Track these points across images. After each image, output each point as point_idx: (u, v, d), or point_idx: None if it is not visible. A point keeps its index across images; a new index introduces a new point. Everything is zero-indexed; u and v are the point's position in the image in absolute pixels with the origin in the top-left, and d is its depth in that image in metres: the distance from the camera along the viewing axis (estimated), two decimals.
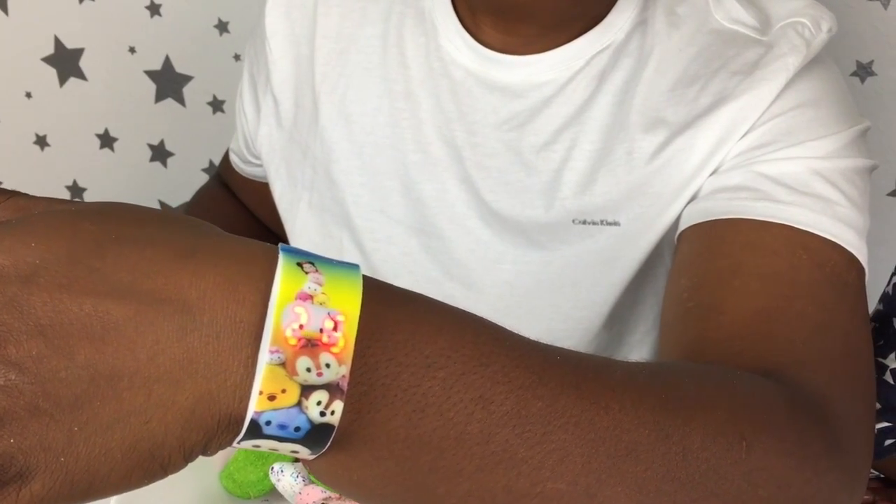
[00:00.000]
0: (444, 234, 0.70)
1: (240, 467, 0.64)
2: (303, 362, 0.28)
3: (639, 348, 0.71)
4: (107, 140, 1.42)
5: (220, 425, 0.28)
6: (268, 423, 0.28)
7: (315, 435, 0.29)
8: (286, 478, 0.61)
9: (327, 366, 0.28)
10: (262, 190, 0.85)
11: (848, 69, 1.16)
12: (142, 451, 0.28)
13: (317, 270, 0.29)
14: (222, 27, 1.31)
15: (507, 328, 0.34)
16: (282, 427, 0.28)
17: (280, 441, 0.29)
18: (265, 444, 0.29)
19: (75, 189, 1.46)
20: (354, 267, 0.30)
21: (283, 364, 0.27)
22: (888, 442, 0.66)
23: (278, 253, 0.29)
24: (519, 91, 0.67)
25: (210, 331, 0.28)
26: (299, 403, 0.28)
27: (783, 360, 0.48)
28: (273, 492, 0.64)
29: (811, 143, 0.59)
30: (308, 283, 0.28)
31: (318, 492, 0.59)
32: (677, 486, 0.34)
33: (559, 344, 0.36)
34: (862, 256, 0.57)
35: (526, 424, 0.31)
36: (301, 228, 0.76)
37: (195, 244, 0.29)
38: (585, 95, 0.66)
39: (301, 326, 0.28)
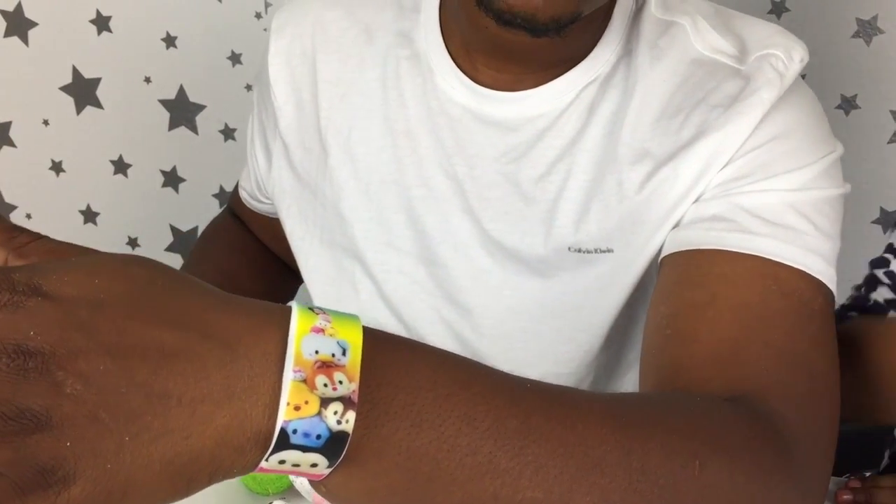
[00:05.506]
0: (448, 263, 0.74)
1: None
2: (320, 379, 0.33)
3: (636, 366, 0.74)
4: (121, 166, 1.47)
5: (250, 441, 0.33)
6: (294, 431, 0.33)
7: (333, 443, 0.33)
8: None
9: (340, 382, 0.33)
10: (272, 223, 0.89)
11: (833, 102, 1.22)
12: (177, 465, 0.32)
13: (325, 313, 0.35)
14: (235, 59, 1.36)
15: (482, 361, 0.41)
16: (306, 435, 0.33)
17: (304, 451, 0.33)
18: (290, 458, 0.34)
19: (88, 213, 1.51)
20: (354, 315, 0.37)
21: (304, 381, 0.33)
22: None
23: (292, 305, 0.36)
24: (514, 125, 0.71)
25: (245, 362, 0.33)
26: (319, 413, 0.33)
27: (747, 385, 0.53)
28: (291, 489, 0.68)
29: (785, 175, 0.63)
30: (319, 321, 0.34)
31: None
32: (639, 499, 0.40)
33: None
34: (829, 280, 0.61)
35: (505, 439, 0.37)
36: (315, 264, 0.80)
37: (226, 297, 0.35)
38: (577, 127, 0.70)
39: (317, 351, 0.33)
